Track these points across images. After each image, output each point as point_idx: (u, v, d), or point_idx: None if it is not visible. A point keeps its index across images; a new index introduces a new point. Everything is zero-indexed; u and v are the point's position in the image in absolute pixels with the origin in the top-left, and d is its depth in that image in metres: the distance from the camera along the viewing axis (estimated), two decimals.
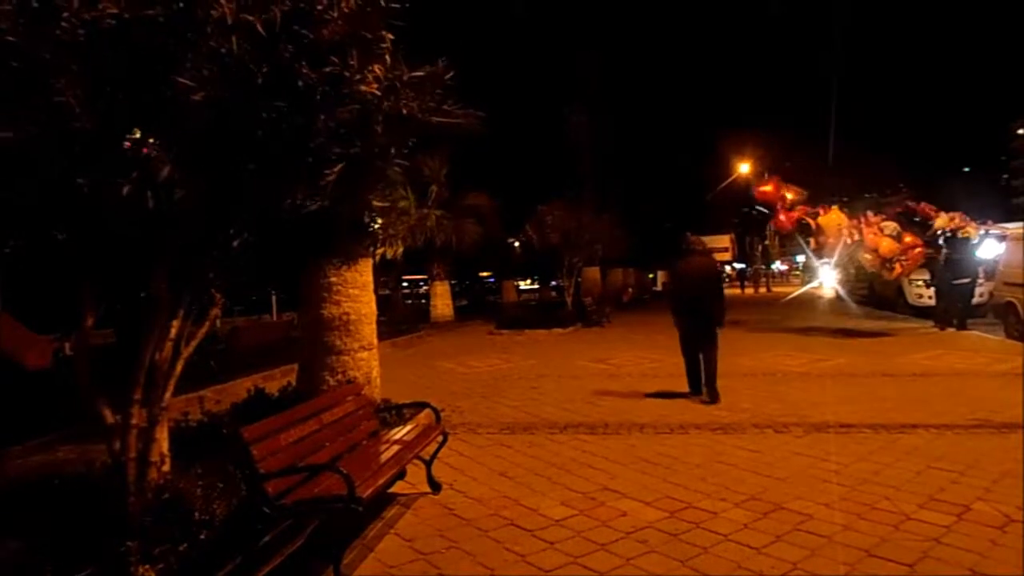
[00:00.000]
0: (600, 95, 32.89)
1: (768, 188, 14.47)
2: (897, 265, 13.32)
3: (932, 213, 14.58)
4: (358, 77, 3.62)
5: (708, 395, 7.91)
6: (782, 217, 14.48)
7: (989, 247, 14.37)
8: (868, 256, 13.28)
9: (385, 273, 21.46)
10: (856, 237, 13.21)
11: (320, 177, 3.62)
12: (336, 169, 3.63)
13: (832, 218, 13.73)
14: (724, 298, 8.32)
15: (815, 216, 13.93)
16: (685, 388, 8.29)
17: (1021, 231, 13.83)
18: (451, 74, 4.13)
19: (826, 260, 14.65)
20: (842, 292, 24.49)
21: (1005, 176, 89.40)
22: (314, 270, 7.07)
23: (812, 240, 13.69)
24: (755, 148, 43.47)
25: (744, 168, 44.98)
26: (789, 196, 14.45)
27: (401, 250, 19.09)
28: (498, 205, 22.99)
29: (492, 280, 37.12)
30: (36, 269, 3.77)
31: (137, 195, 3.18)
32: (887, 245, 13.31)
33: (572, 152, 31.85)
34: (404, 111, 3.88)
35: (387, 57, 3.84)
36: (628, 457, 5.73)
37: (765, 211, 14.36)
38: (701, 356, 8.06)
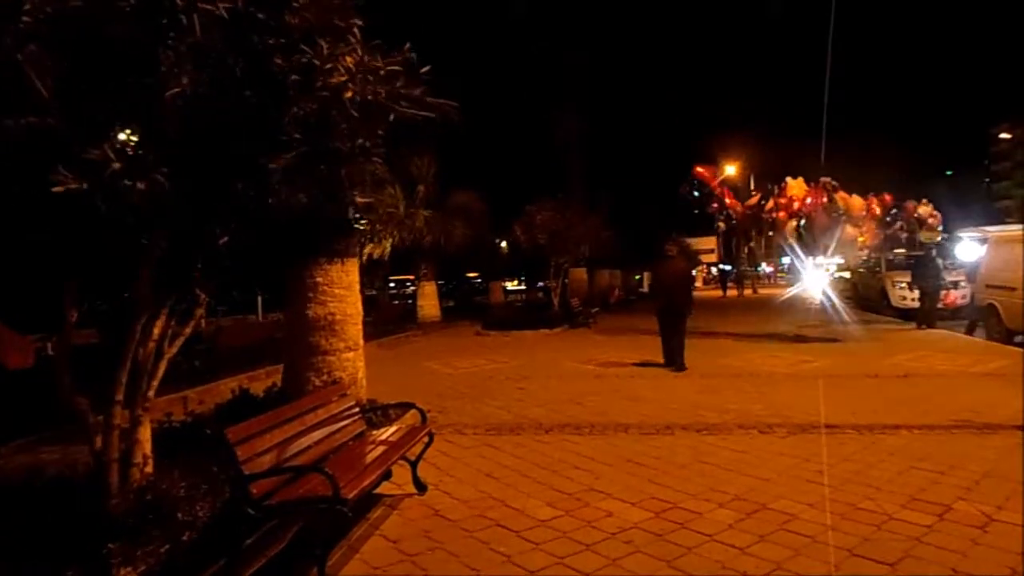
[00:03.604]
0: (589, 96, 32.98)
1: (703, 169, 14.53)
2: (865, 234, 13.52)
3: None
4: (328, 67, 3.59)
5: (676, 366, 10.29)
6: (728, 200, 14.63)
7: (969, 250, 14.60)
8: (851, 229, 13.38)
9: (372, 273, 21.39)
10: (830, 200, 13.29)
11: (274, 162, 3.55)
12: (289, 155, 3.57)
13: (800, 183, 13.77)
14: (692, 293, 10.80)
15: (775, 193, 13.94)
16: (671, 389, 8.92)
17: (1002, 234, 14.02)
18: (426, 69, 4.08)
19: (812, 249, 14.53)
20: (832, 296, 24.06)
21: (986, 180, 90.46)
22: (300, 270, 7.04)
23: (781, 217, 13.62)
24: (743, 150, 43.61)
25: (731, 170, 45.09)
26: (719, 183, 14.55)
27: (388, 249, 19.03)
28: (486, 205, 22.97)
29: (479, 281, 37.08)
30: (18, 269, 3.72)
31: (118, 194, 3.14)
32: (856, 202, 13.51)
33: (560, 153, 31.89)
34: (370, 97, 3.83)
35: (358, 47, 3.81)
36: (614, 458, 5.74)
37: (697, 194, 14.28)
38: (674, 339, 10.45)
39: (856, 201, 13.55)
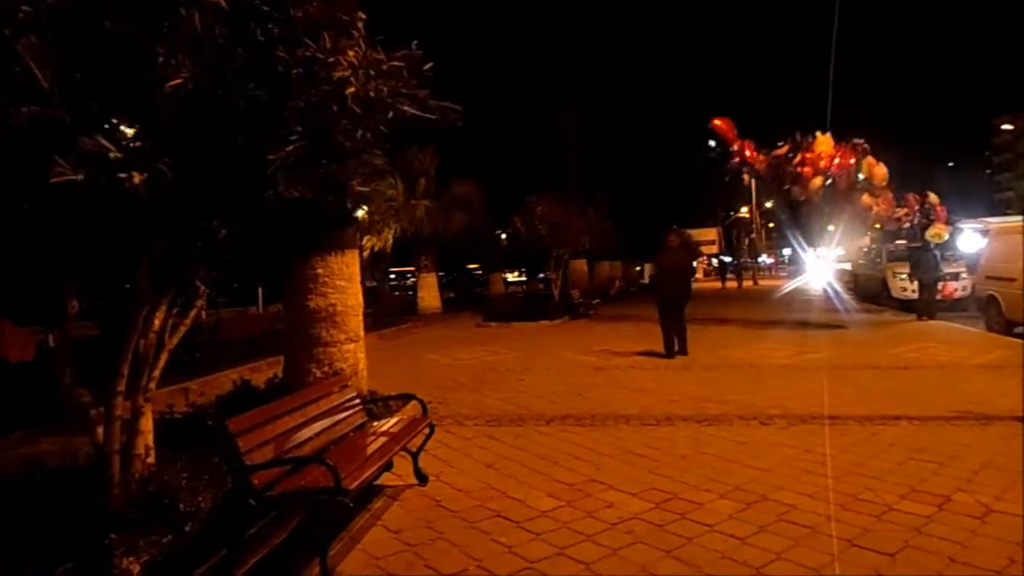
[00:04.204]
0: (588, 92, 32.99)
1: (720, 122, 14.02)
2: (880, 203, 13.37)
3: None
4: (331, 60, 3.58)
5: (680, 352, 10.72)
6: (747, 153, 13.94)
7: (970, 241, 14.56)
8: (867, 198, 13.18)
9: (373, 265, 21.42)
10: (854, 160, 13.00)
11: (274, 155, 3.55)
12: (288, 150, 3.57)
13: (828, 139, 13.38)
14: (691, 284, 11.38)
15: (803, 147, 13.50)
16: (672, 380, 8.91)
17: (1003, 226, 14.00)
18: (429, 65, 4.07)
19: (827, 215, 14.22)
20: (836, 288, 23.84)
21: (988, 171, 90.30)
22: (300, 261, 7.04)
23: (806, 171, 13.27)
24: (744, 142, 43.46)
25: None
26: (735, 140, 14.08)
27: (390, 241, 19.05)
28: (486, 197, 22.99)
29: (480, 272, 37.05)
30: (17, 262, 3.72)
31: (108, 186, 3.13)
32: (880, 171, 13.32)
33: (560, 145, 31.89)
34: (372, 93, 3.82)
35: (361, 41, 3.80)
36: (614, 448, 5.75)
37: (717, 149, 13.94)
38: (675, 327, 10.80)
39: (880, 170, 13.30)
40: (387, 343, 14.78)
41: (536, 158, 32.40)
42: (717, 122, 14.02)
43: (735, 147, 13.99)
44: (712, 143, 13.76)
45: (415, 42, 4.03)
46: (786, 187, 14.02)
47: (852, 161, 13.21)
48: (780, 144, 13.93)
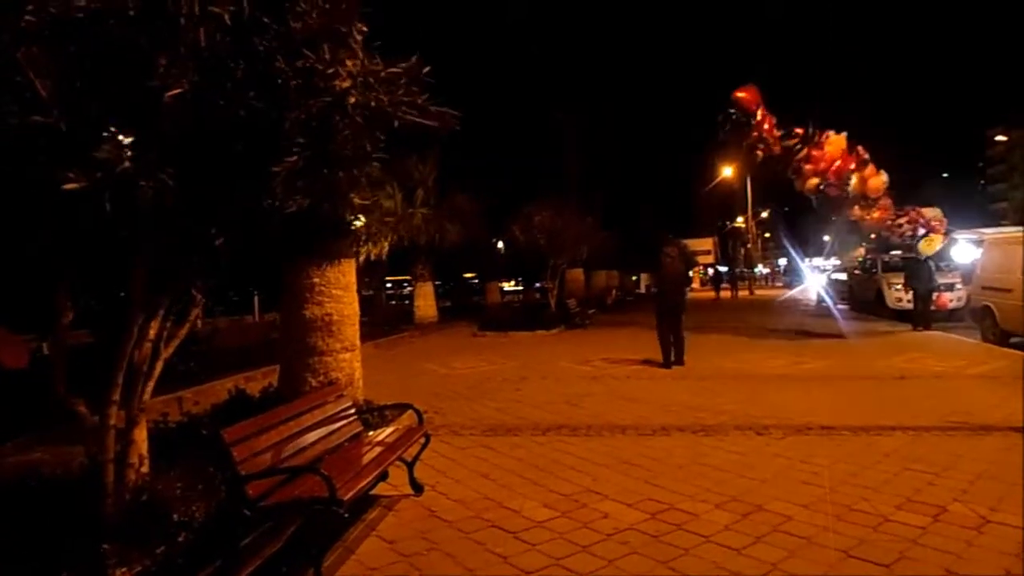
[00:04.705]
0: (588, 99, 33.14)
1: (744, 94, 13.69)
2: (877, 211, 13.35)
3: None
4: (331, 71, 3.60)
5: (676, 362, 10.83)
6: (766, 125, 13.63)
7: (965, 252, 14.60)
8: (858, 210, 13.16)
9: (369, 274, 21.40)
10: (854, 166, 12.94)
11: (278, 165, 3.56)
12: (291, 160, 3.58)
13: (840, 141, 13.27)
14: (687, 293, 11.71)
15: (814, 141, 13.37)
16: (668, 389, 8.91)
17: (998, 236, 14.06)
18: (427, 69, 4.09)
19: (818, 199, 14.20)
20: (830, 295, 23.96)
21: (982, 182, 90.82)
22: (297, 270, 7.03)
23: (807, 168, 13.12)
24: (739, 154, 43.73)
25: (727, 171, 45.30)
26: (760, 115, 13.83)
27: (386, 250, 19.03)
28: (483, 205, 22.99)
29: (476, 281, 37.02)
30: (11, 269, 3.71)
31: (114, 195, 3.13)
32: (875, 183, 13.22)
33: (558, 155, 32.00)
34: (373, 103, 3.84)
35: (360, 52, 3.82)
36: (610, 459, 5.74)
37: (735, 116, 13.68)
38: (672, 337, 10.94)
39: (877, 181, 13.09)
40: (383, 352, 14.75)
41: (535, 160, 32.52)
42: (740, 94, 13.65)
43: (758, 117, 13.65)
44: (731, 111, 13.52)
45: (416, 56, 4.05)
46: (790, 176, 13.94)
47: (852, 167, 13.16)
48: (794, 133, 13.77)
